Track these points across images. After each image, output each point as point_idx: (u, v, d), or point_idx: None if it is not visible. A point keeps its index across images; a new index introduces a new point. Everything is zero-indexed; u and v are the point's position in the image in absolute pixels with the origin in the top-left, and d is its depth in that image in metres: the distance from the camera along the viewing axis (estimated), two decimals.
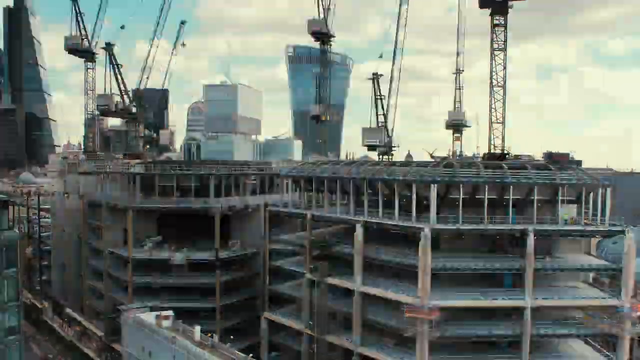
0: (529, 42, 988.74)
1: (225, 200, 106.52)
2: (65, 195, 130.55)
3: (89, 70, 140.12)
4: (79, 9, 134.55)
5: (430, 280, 72.40)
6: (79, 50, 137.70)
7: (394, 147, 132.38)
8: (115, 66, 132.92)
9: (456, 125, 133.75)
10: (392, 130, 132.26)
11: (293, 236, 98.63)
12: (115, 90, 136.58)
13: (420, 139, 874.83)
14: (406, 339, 74.71)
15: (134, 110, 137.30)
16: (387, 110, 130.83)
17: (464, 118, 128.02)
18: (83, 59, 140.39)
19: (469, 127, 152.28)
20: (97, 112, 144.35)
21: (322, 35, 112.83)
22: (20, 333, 74.58)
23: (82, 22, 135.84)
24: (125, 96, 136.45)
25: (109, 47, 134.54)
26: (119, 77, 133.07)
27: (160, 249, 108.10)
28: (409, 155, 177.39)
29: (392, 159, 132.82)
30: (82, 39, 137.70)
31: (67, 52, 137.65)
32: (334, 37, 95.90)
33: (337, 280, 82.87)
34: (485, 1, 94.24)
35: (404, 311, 72.23)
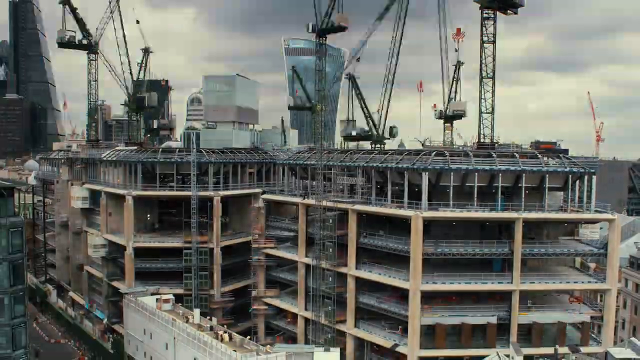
0: None
1: (224, 187, 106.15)
2: (69, 182, 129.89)
3: (91, 62, 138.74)
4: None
5: (421, 265, 72.48)
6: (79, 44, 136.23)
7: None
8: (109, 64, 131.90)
9: (458, 116, 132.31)
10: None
11: (288, 223, 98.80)
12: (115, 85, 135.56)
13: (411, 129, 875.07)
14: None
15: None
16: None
17: (465, 108, 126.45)
18: (86, 52, 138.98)
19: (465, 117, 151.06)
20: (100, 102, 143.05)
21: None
22: (26, 315, 74.35)
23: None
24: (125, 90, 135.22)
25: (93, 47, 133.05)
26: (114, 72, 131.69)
27: (160, 235, 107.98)
28: (401, 145, 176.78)
29: (384, 148, 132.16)
30: (84, 35, 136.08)
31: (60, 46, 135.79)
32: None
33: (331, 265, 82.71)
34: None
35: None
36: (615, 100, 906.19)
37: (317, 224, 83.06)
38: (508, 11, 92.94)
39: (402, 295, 76.01)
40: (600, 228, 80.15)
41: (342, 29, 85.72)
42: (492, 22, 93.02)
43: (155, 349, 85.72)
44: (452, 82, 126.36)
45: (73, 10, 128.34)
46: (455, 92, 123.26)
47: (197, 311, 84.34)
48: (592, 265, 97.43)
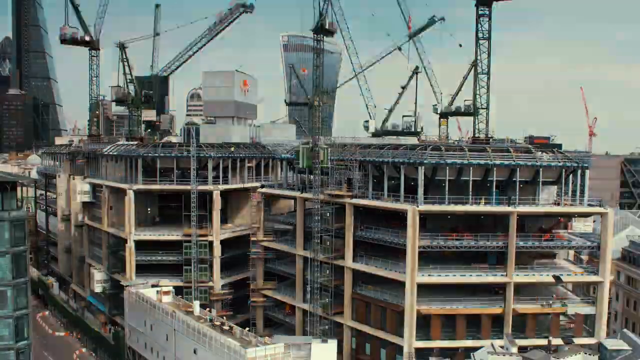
0: None
1: (224, 181, 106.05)
2: (71, 176, 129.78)
3: (93, 58, 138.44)
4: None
5: (417, 258, 72.45)
6: (82, 41, 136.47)
7: None
8: (126, 61, 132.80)
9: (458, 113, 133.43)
10: None
11: (286, 216, 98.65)
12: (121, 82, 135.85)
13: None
14: None
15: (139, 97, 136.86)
16: None
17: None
18: (87, 48, 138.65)
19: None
20: (110, 100, 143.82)
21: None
22: (28, 307, 74.22)
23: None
24: (131, 85, 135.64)
25: (123, 47, 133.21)
26: (126, 68, 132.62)
27: (160, 228, 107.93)
28: (398, 139, 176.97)
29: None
30: (86, 31, 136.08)
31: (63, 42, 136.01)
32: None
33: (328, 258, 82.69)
34: None
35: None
36: None
37: (314, 217, 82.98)
38: None
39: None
40: (594, 221, 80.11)
41: (331, 32, 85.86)
42: (486, 19, 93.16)
43: (156, 341, 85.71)
44: (463, 80, 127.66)
45: (76, 8, 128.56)
46: (460, 89, 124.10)
47: (196, 303, 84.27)
48: (585, 257, 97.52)
